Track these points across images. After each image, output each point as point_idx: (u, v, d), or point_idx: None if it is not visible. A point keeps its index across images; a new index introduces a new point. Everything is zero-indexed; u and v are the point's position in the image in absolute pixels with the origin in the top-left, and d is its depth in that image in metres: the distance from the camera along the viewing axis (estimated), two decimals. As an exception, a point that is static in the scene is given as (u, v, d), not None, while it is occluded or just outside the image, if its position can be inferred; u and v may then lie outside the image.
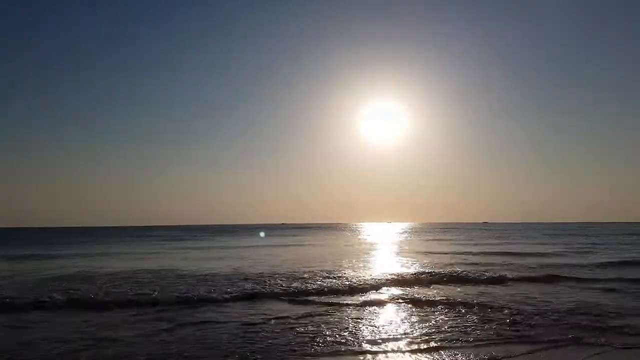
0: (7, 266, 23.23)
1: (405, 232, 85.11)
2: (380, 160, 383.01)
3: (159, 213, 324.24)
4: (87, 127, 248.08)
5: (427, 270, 18.08)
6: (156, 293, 13.05)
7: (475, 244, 39.90)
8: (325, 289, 13.83)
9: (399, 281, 15.70)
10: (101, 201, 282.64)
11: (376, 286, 14.58)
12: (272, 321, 9.69)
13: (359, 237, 62.76)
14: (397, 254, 29.70)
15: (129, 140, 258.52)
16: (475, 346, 7.75)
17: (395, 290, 13.80)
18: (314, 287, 14.24)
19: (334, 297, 12.89)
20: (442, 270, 18.34)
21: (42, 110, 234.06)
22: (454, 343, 7.93)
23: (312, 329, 8.98)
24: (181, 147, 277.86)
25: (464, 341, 8.02)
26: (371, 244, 42.27)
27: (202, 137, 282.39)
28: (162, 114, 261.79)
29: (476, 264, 21.67)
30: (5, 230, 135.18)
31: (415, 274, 17.29)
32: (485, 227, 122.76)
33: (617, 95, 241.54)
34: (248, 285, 14.51)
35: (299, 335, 8.51)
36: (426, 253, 29.38)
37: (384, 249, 34.74)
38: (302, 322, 9.59)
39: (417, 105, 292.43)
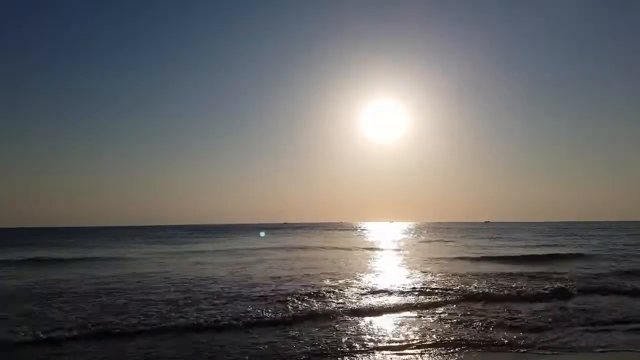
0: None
1: (413, 232, 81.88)
2: (382, 160, 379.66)
3: (160, 213, 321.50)
4: (87, 127, 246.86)
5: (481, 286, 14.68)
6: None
7: (509, 246, 36.66)
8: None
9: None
10: (101, 201, 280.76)
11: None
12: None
13: (365, 238, 59.35)
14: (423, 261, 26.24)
15: (129, 140, 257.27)
16: None
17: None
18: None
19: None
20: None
21: (42, 110, 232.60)
22: None
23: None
24: (182, 147, 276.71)
25: None
26: (389, 248, 38.83)
27: (203, 137, 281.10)
28: (162, 113, 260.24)
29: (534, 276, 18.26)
30: (3, 231, 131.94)
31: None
32: (488, 227, 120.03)
33: (618, 94, 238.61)
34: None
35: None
36: (461, 258, 26.15)
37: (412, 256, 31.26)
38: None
39: (418, 104, 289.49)
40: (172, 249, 36.26)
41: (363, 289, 14.12)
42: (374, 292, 13.57)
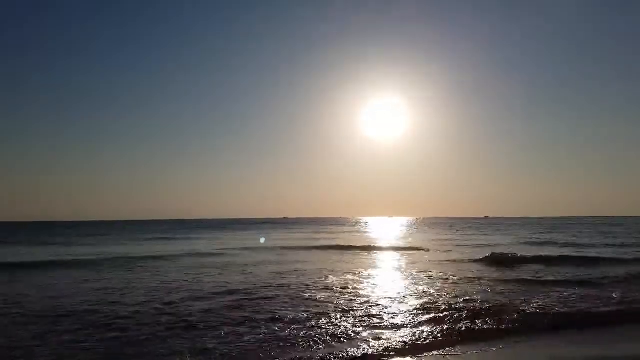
0: None
1: (417, 228, 76.98)
2: (382, 159, 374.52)
3: (160, 213, 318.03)
4: (87, 127, 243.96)
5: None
6: None
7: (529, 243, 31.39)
8: None
9: None
10: (102, 201, 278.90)
11: None
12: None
13: (371, 235, 54.07)
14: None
15: (129, 140, 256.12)
16: None
17: None
18: None
19: None
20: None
21: (42, 110, 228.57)
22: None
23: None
24: (182, 146, 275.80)
25: None
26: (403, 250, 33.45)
27: (203, 137, 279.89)
28: (162, 113, 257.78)
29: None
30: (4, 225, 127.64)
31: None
32: (489, 222, 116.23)
33: (618, 94, 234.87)
34: None
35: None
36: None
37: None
38: None
39: (418, 103, 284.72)
40: (145, 249, 30.64)
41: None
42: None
